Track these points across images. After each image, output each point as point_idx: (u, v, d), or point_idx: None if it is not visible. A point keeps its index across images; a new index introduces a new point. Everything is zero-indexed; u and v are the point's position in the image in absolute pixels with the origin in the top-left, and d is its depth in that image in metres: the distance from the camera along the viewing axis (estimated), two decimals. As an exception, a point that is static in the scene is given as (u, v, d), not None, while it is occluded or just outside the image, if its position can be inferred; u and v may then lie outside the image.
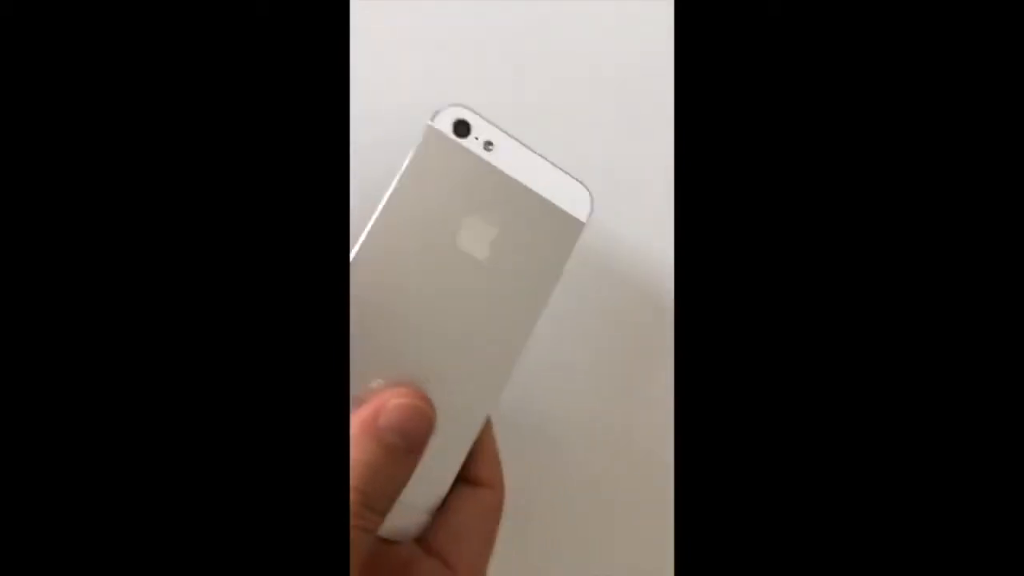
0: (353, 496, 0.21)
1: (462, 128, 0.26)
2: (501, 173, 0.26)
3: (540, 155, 0.27)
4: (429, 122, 0.26)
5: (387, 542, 0.25)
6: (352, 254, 0.25)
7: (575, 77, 0.35)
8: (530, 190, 0.27)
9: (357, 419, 0.23)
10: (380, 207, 0.25)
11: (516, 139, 0.27)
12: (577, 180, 0.27)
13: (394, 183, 0.25)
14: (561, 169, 0.27)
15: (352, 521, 0.21)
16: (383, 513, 0.23)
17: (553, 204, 0.27)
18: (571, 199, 0.27)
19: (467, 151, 0.26)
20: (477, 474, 0.26)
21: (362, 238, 0.25)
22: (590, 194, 0.27)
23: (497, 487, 0.26)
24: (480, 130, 0.26)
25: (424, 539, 0.25)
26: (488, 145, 0.26)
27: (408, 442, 0.23)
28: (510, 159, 0.26)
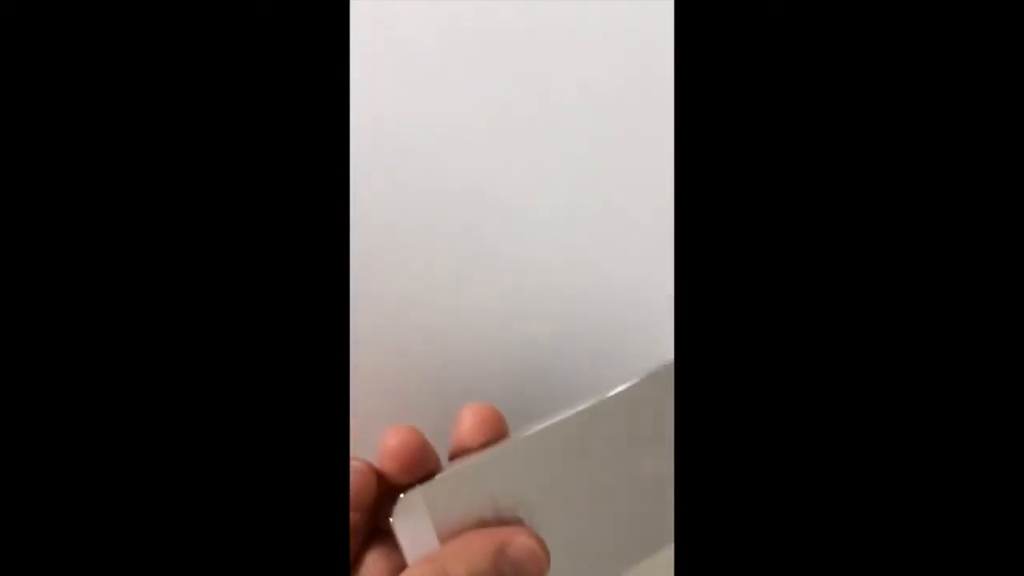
0: None
1: None
2: None
3: None
4: (670, 361, 0.27)
5: None
6: (570, 411, 0.26)
7: (571, 85, 0.34)
8: None
9: (490, 535, 0.24)
10: (603, 397, 0.27)
11: None
12: None
13: (621, 388, 0.27)
14: None
15: None
16: None
17: None
18: None
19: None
20: None
21: (582, 405, 0.26)
22: None
23: None
24: None
25: None
26: None
27: None
28: None
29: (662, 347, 0.35)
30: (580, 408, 0.27)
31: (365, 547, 0.25)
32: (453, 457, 0.26)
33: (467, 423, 0.26)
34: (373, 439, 0.25)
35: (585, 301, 0.35)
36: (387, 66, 0.33)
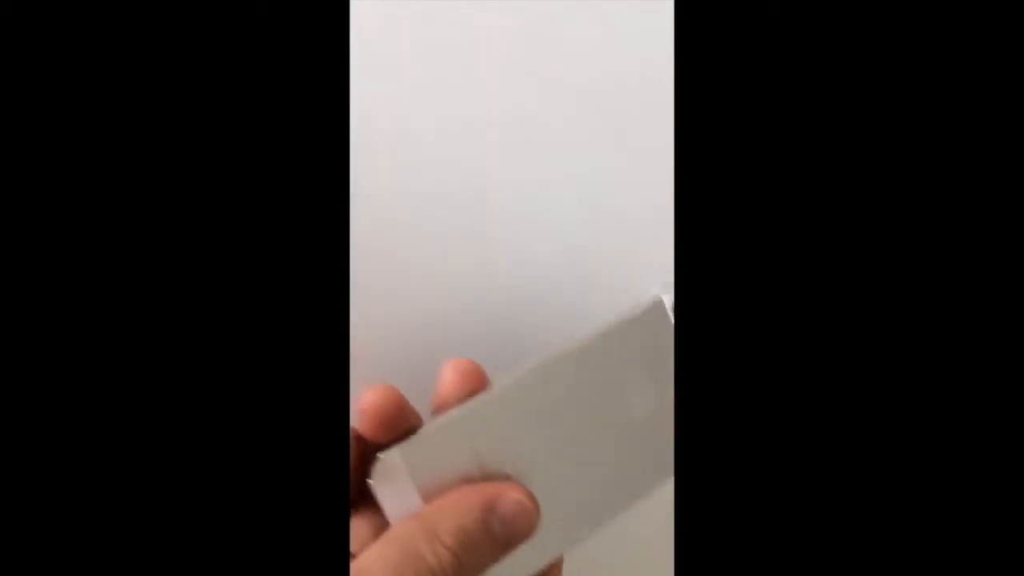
0: (449, 558, 0.22)
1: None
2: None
3: None
4: (661, 295, 0.27)
5: None
6: (545, 356, 0.25)
7: (571, 84, 0.34)
8: None
9: (479, 490, 0.23)
10: (580, 338, 0.26)
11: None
12: None
13: (604, 326, 0.26)
14: None
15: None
16: None
17: None
18: None
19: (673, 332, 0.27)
20: None
21: (556, 350, 0.25)
22: None
23: None
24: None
25: None
26: None
27: (507, 538, 0.23)
28: None
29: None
30: (565, 349, 0.26)
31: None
32: (435, 414, 0.25)
33: (447, 378, 0.25)
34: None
35: (585, 301, 0.35)
36: (387, 66, 0.33)
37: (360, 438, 0.24)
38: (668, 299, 0.27)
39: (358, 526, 0.23)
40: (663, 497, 0.31)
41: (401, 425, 0.23)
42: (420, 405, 0.25)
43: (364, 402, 0.23)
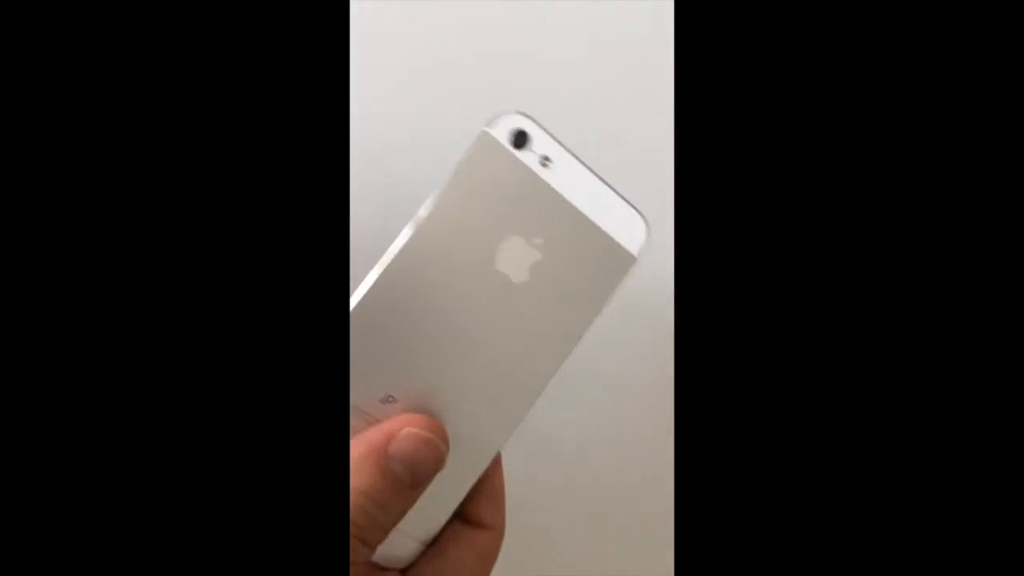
0: (354, 530, 0.20)
1: (520, 139, 0.24)
2: (554, 193, 0.24)
3: (600, 178, 0.25)
4: (485, 128, 0.24)
5: (375, 567, 0.24)
6: (386, 258, 0.23)
7: (571, 85, 0.34)
8: (582, 215, 0.24)
9: (364, 440, 0.22)
10: (422, 213, 0.23)
11: (577, 157, 0.25)
12: (635, 209, 0.25)
13: (439, 188, 0.24)
14: (620, 195, 0.25)
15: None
16: (375, 546, 0.22)
17: (605, 233, 0.25)
18: (627, 230, 0.25)
19: (522, 165, 0.24)
20: (478, 513, 0.24)
21: (398, 243, 0.23)
22: (647, 226, 0.25)
23: (496, 530, 0.25)
24: (539, 144, 0.24)
25: (413, 571, 0.24)
26: (545, 160, 0.24)
27: (414, 477, 0.21)
28: (566, 178, 0.24)
29: (662, 347, 0.35)
30: (405, 238, 0.23)
31: None
32: None
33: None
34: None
35: None
36: (387, 66, 0.33)
37: None
38: (507, 126, 0.24)
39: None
40: (663, 504, 0.30)
41: None
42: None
43: None
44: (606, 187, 0.25)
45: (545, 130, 0.24)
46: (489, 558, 0.24)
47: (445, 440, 0.22)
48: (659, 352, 0.35)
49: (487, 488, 0.24)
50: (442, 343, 0.23)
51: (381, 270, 0.23)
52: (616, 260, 0.24)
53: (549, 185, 0.24)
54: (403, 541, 0.23)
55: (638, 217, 0.25)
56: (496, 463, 0.24)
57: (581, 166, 0.25)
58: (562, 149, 0.24)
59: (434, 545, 0.24)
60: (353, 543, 0.20)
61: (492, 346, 0.23)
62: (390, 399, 0.23)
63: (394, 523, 0.22)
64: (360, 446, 0.21)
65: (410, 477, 0.21)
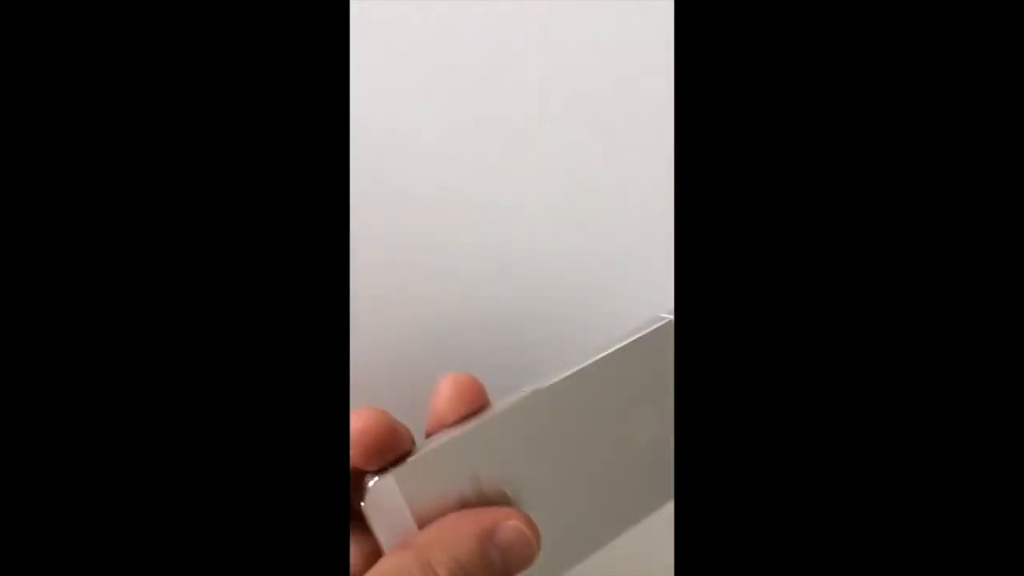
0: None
1: None
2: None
3: None
4: (668, 316, 0.26)
5: None
6: (551, 382, 0.24)
7: (571, 85, 0.34)
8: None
9: (474, 518, 0.22)
10: (593, 359, 0.25)
11: None
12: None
13: (601, 352, 0.25)
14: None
15: None
16: None
17: None
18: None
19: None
20: None
21: (564, 374, 0.24)
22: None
23: None
24: None
25: None
26: None
27: (506, 569, 0.22)
28: None
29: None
30: (567, 373, 0.24)
31: None
32: (431, 432, 0.24)
33: (445, 394, 0.23)
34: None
35: (585, 301, 0.35)
36: (386, 67, 0.33)
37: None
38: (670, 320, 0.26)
39: (350, 551, 0.22)
40: (663, 517, 0.30)
41: (392, 449, 0.22)
42: (417, 406, 0.24)
43: (352, 427, 0.22)
44: None
45: None
46: None
47: (539, 545, 0.23)
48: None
49: None
50: (563, 467, 0.24)
51: (539, 386, 0.24)
52: None
53: None
54: None
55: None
56: None
57: None
58: None
59: None
60: None
61: (595, 492, 0.25)
62: (492, 477, 0.23)
63: None
64: (471, 521, 0.22)
65: (502, 566, 0.22)
